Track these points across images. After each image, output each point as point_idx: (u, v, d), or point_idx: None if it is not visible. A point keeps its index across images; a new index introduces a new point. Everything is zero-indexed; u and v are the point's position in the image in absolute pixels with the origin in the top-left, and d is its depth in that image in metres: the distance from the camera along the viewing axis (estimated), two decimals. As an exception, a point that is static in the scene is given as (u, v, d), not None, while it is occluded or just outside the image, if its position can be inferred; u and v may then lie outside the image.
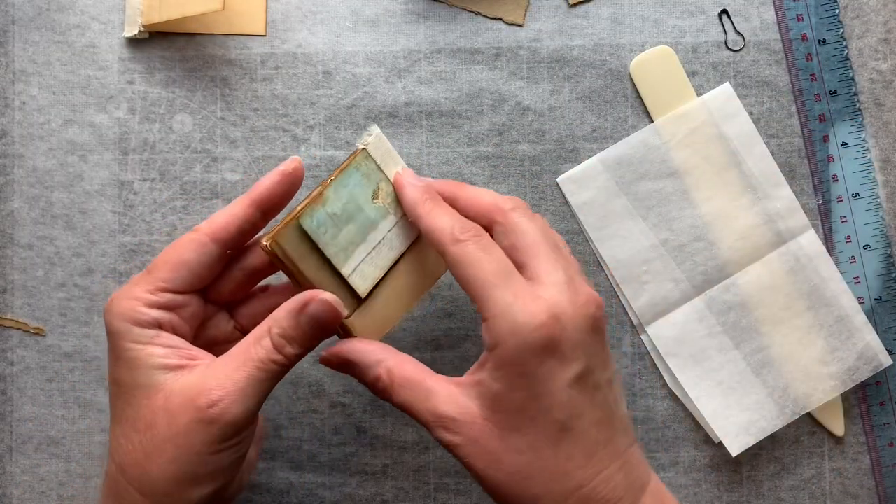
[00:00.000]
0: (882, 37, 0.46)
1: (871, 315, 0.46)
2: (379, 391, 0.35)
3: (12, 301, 0.46)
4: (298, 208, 0.36)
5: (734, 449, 0.44)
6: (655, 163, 0.45)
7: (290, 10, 0.46)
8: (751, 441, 0.44)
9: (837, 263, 0.46)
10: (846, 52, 0.46)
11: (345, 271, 0.37)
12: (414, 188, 0.37)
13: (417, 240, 0.39)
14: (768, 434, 0.45)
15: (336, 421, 0.46)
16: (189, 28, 0.46)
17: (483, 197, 0.37)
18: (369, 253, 0.37)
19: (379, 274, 0.38)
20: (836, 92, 0.46)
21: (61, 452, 0.46)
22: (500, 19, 0.46)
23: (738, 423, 0.44)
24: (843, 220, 0.46)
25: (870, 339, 0.45)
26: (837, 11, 0.46)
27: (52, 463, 0.46)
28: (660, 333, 0.45)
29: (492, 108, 0.46)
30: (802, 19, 0.46)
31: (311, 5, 0.46)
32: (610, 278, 0.45)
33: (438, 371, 0.46)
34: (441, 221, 0.35)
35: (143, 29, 0.45)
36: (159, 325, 0.35)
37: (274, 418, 0.46)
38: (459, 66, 0.46)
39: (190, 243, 0.36)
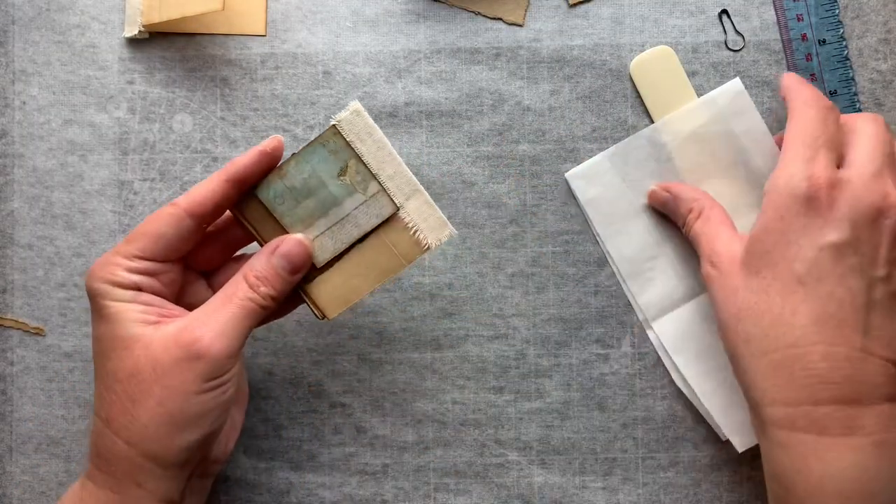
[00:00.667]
0: (882, 37, 0.46)
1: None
2: (686, 222, 0.42)
3: (12, 301, 0.46)
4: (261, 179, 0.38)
5: (740, 446, 0.44)
6: (661, 160, 0.45)
7: (290, 10, 0.46)
8: (756, 439, 0.44)
9: (837, 263, 0.46)
10: (846, 52, 0.46)
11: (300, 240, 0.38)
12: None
13: (392, 220, 0.39)
14: None
15: (336, 421, 0.46)
16: (189, 28, 0.46)
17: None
18: (330, 227, 0.38)
19: (339, 247, 0.39)
20: (836, 92, 0.46)
21: (61, 452, 0.46)
22: (500, 19, 0.46)
23: (744, 420, 0.44)
24: (844, 220, 0.46)
25: None
26: (837, 11, 0.46)
27: (52, 463, 0.46)
28: (665, 330, 0.45)
29: (492, 107, 0.46)
30: (802, 19, 0.46)
31: (311, 5, 0.46)
32: (617, 274, 0.45)
33: (438, 371, 0.46)
34: (809, 90, 0.39)
35: (143, 29, 0.45)
36: (139, 288, 0.36)
37: (274, 418, 0.46)
38: (459, 66, 0.46)
39: (168, 217, 0.37)
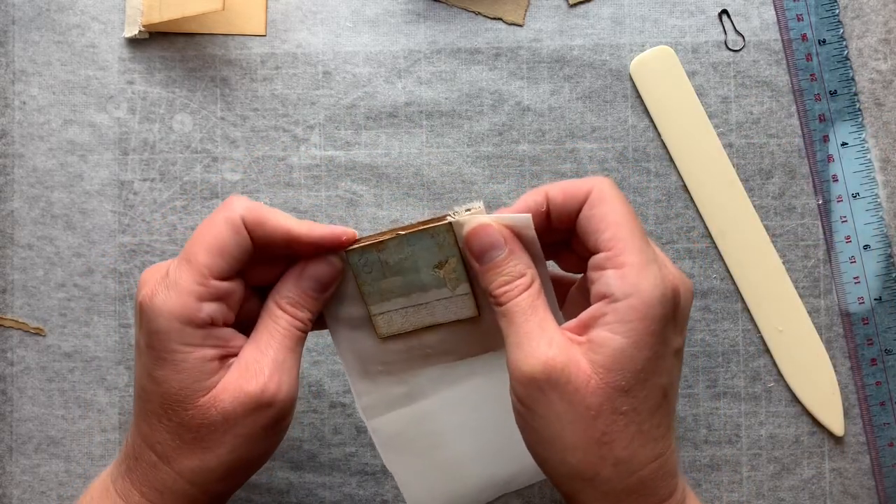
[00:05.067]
0: (882, 37, 0.46)
1: (871, 315, 0.46)
2: (511, 288, 0.34)
3: (12, 301, 0.46)
4: (362, 243, 0.36)
5: None
6: None
7: (290, 10, 0.46)
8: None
9: (838, 263, 0.46)
10: (846, 52, 0.46)
11: (372, 310, 0.37)
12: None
13: (466, 322, 0.37)
14: None
15: (336, 421, 0.46)
16: (189, 28, 0.46)
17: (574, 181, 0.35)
18: (406, 307, 0.37)
19: (406, 328, 0.37)
20: (836, 92, 0.46)
21: (61, 452, 0.46)
22: (500, 19, 0.46)
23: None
24: (843, 220, 0.46)
25: None
26: (837, 11, 0.46)
27: (52, 463, 0.46)
28: (382, 428, 0.40)
29: (492, 108, 0.46)
30: (802, 19, 0.46)
31: (311, 5, 0.46)
32: (342, 364, 0.41)
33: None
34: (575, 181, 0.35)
35: (143, 29, 0.45)
36: (212, 322, 0.34)
37: (274, 418, 0.46)
38: (459, 66, 0.46)
39: (226, 224, 0.34)
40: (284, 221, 0.35)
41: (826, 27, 0.46)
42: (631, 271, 0.31)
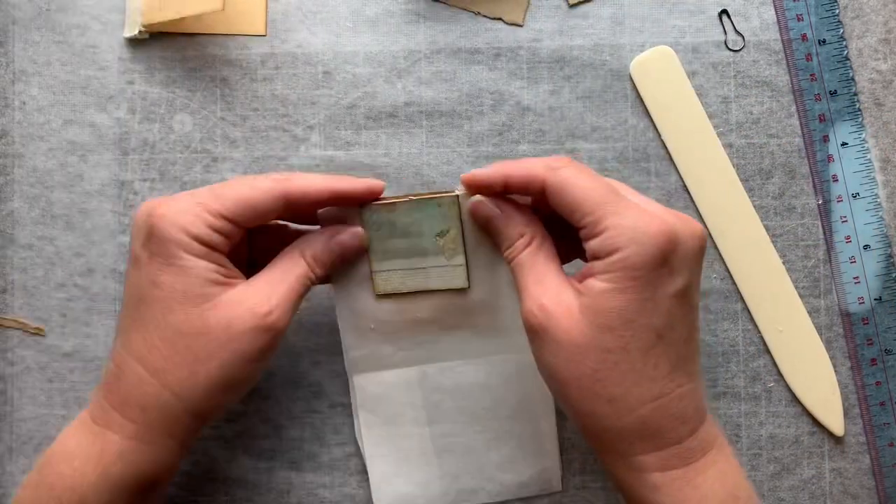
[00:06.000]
0: (882, 37, 0.46)
1: (871, 315, 0.46)
2: (515, 247, 0.38)
3: (12, 301, 0.46)
4: (379, 202, 0.40)
5: None
6: None
7: (291, 10, 0.46)
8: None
9: (838, 263, 0.46)
10: (846, 52, 0.46)
11: (373, 267, 0.41)
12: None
13: (459, 292, 0.41)
14: None
15: (336, 421, 0.46)
16: (189, 28, 0.46)
17: (535, 163, 0.37)
18: (404, 269, 0.40)
19: (401, 290, 0.41)
20: (836, 92, 0.46)
21: (61, 452, 0.46)
22: (500, 19, 0.46)
23: (399, 492, 0.44)
24: (843, 220, 0.46)
25: (550, 464, 0.44)
26: (837, 11, 0.46)
27: (52, 463, 0.46)
28: (364, 385, 0.43)
29: (492, 108, 0.46)
30: (802, 19, 0.46)
31: (311, 5, 0.46)
32: (339, 319, 0.42)
33: (438, 371, 0.46)
34: (532, 165, 0.37)
35: (143, 29, 0.45)
36: (213, 247, 0.37)
37: (274, 418, 0.46)
38: (459, 66, 0.46)
39: (267, 193, 0.37)
40: (325, 184, 0.38)
41: (826, 27, 0.46)
42: (612, 234, 0.34)
